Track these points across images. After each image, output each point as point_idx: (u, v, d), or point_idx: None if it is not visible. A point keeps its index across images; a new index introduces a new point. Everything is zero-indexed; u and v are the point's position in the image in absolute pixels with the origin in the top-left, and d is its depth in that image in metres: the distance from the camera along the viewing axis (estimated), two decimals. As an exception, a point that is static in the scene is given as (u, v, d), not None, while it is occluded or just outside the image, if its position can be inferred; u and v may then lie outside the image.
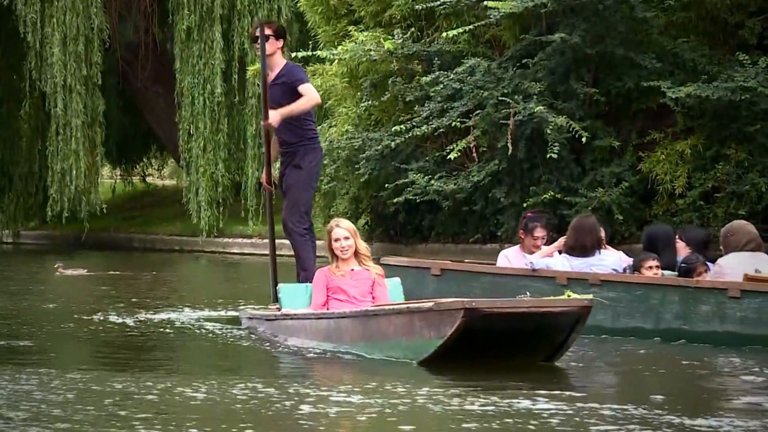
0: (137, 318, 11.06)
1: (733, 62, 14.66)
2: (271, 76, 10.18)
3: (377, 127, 17.16)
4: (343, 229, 9.14)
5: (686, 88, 14.26)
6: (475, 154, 15.95)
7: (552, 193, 15.08)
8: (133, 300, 13.12)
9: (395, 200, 16.33)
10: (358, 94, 17.52)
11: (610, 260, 9.91)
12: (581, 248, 9.83)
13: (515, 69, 15.70)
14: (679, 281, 9.57)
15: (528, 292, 8.41)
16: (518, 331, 7.81)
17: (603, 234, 10.21)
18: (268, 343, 9.27)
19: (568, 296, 8.03)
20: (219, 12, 24.90)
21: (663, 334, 9.43)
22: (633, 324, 9.61)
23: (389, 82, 16.74)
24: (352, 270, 9.11)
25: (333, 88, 17.93)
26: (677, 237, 10.29)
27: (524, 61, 15.65)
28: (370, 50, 16.66)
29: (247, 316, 10.23)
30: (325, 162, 15.75)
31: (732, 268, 9.46)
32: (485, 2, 15.46)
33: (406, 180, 16.14)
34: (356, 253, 9.13)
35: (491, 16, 15.51)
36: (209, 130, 24.94)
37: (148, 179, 36.19)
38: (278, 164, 10.70)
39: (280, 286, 9.75)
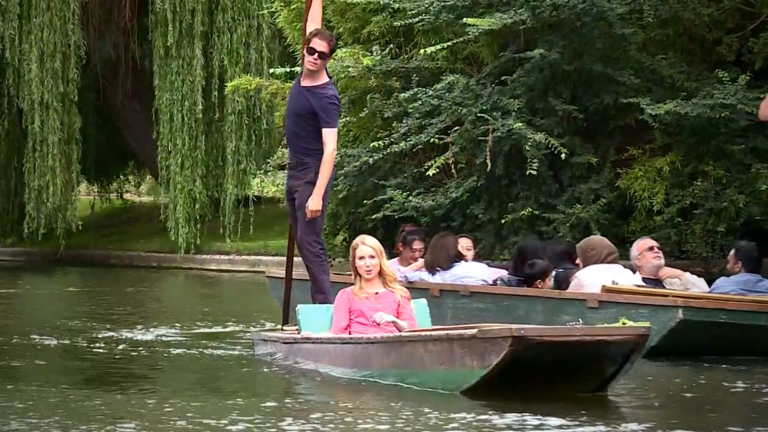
0: (140, 337, 10.89)
1: (712, 79, 14.67)
2: (308, 82, 9.76)
3: (355, 144, 17.10)
4: (368, 247, 8.67)
5: (666, 105, 14.25)
6: (453, 171, 15.90)
7: (530, 210, 15.04)
8: (125, 318, 12.99)
9: (373, 217, 16.26)
10: (337, 110, 17.47)
11: (477, 270, 10.36)
12: (438, 264, 10.64)
13: (493, 85, 15.67)
14: (546, 293, 10.02)
15: (580, 319, 8.26)
16: (569, 360, 7.30)
17: (469, 245, 11.31)
18: (287, 369, 8.83)
19: (623, 324, 7.53)
20: (199, 29, 24.87)
21: None
22: None
23: (367, 98, 16.69)
24: (377, 293, 8.69)
25: (311, 105, 17.84)
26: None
27: (503, 77, 15.62)
28: (349, 67, 16.60)
29: (260, 339, 9.69)
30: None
31: (590, 280, 9.83)
32: (464, 19, 15.44)
33: (384, 196, 16.07)
34: (381, 274, 8.71)
35: (470, 33, 15.47)
36: (187, 147, 24.91)
37: (126, 196, 36.08)
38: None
39: (300, 307, 9.18)
